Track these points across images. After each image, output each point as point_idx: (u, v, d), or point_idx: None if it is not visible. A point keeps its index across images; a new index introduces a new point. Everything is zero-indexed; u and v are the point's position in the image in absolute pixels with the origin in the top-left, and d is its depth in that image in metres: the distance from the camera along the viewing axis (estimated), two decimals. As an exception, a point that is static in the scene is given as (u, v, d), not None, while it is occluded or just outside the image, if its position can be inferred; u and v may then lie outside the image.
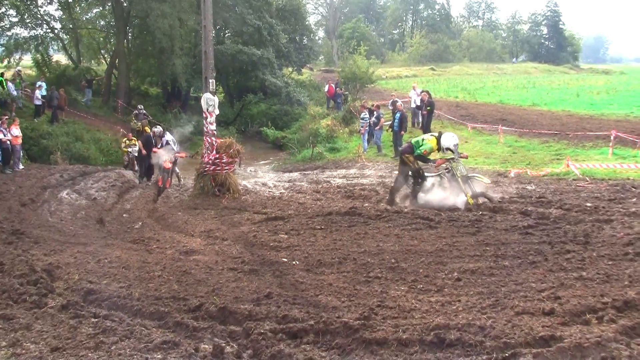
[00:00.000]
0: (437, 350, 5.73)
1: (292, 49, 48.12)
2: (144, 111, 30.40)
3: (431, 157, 14.13)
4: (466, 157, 14.45)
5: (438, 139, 13.89)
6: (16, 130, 21.04)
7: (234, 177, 17.80)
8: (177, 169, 21.09)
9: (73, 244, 11.74)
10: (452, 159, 13.77)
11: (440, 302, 7.17)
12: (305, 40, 52.49)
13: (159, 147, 20.02)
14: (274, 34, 43.32)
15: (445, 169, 13.99)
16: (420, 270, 8.70)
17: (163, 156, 19.56)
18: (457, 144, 13.92)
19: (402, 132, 23.45)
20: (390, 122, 25.95)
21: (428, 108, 25.59)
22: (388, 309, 6.97)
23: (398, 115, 23.62)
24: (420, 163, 14.17)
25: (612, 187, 14.75)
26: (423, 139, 14.19)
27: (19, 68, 35.55)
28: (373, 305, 7.09)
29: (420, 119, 27.24)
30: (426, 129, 24.83)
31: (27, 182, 18.66)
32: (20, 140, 21.50)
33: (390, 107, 29.24)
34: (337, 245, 10.67)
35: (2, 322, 7.03)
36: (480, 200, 13.47)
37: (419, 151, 13.94)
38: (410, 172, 14.27)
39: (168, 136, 20.40)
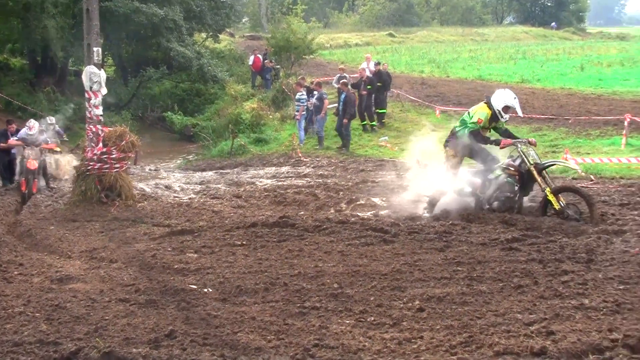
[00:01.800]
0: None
1: (207, 9, 47.72)
2: None
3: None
4: (534, 144, 13.58)
5: (488, 103, 13.59)
6: None
7: (127, 178, 17.58)
8: (47, 168, 20.80)
9: None
10: (520, 141, 13.38)
11: (397, 340, 7.18)
12: (224, -3, 52.34)
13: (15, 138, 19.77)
14: (182, -13, 43.13)
15: (510, 158, 13.49)
16: (371, 299, 8.72)
17: (26, 151, 19.23)
18: (517, 99, 13.48)
19: (346, 119, 23.60)
20: (335, 105, 26.10)
21: (369, 87, 25.75)
22: (328, 350, 6.96)
23: (343, 96, 23.78)
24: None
25: (625, 188, 15.05)
26: (469, 112, 13.97)
27: None
28: (309, 345, 7.08)
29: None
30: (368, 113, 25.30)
31: None
32: None
33: (337, 85, 29.41)
34: (262, 267, 10.62)
35: None
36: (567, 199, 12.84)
37: (471, 125, 13.46)
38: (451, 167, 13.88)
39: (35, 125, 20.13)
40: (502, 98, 13.30)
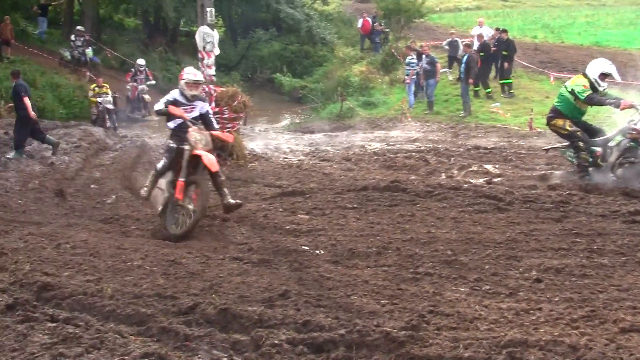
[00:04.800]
0: (511, 375, 5.61)
1: (316, -30, 47.74)
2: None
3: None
4: None
5: (584, 74, 13.39)
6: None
7: (239, 138, 17.74)
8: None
9: (23, 223, 11.78)
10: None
11: (514, 310, 7.00)
12: (333, -41, 52.07)
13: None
14: (293, -52, 43.06)
15: (631, 122, 12.84)
16: (486, 267, 8.55)
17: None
18: (613, 65, 13.28)
19: (471, 80, 23.25)
20: (445, 70, 25.77)
21: (482, 54, 25.10)
22: (443, 317, 6.84)
23: (465, 58, 23.42)
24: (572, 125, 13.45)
25: None
26: (566, 86, 13.70)
27: None
28: (423, 311, 6.97)
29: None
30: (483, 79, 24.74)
31: (-44, 142, 18.51)
32: None
33: (447, 48, 28.98)
34: (374, 230, 10.58)
35: None
36: None
37: (580, 92, 13.07)
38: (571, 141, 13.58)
39: None
40: (597, 67, 13.18)
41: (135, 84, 24.98)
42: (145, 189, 11.97)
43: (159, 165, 11.94)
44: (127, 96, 26.45)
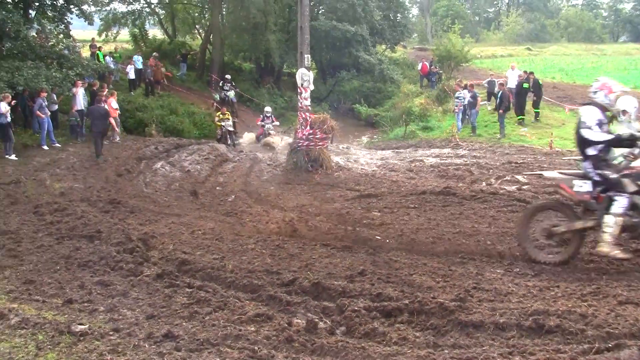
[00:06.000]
0: (535, 336, 5.54)
1: (386, 26, 47.32)
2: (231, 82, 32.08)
3: None
4: None
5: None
6: (115, 103, 21.43)
7: (327, 153, 17.84)
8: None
9: (167, 215, 12.10)
10: None
11: (538, 287, 6.93)
12: (399, 18, 51.56)
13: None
14: (368, 10, 42.68)
15: None
16: (517, 254, 8.45)
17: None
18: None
19: (502, 110, 22.91)
20: (485, 103, 25.47)
21: (526, 86, 24.54)
22: (484, 292, 6.81)
23: (500, 93, 23.12)
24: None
25: None
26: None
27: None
28: (468, 287, 6.95)
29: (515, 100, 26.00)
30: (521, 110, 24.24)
31: (124, 154, 19.12)
32: (118, 113, 21.85)
33: (486, 86, 28.63)
34: (431, 225, 10.55)
35: (100, 288, 7.32)
36: None
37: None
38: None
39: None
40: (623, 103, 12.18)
41: (262, 123, 25.24)
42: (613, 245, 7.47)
43: (618, 208, 7.35)
44: (257, 135, 26.40)
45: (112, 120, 18.63)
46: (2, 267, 8.34)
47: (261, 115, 26.61)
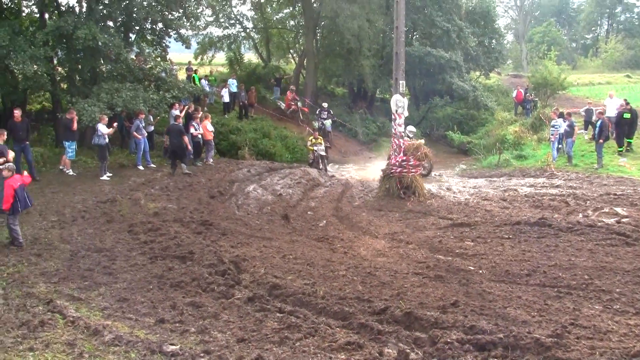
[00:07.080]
0: (637, 379, 5.33)
1: (481, 53, 46.79)
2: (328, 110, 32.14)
3: None
4: None
5: None
6: (210, 126, 21.98)
7: (420, 180, 17.70)
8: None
9: (259, 238, 12.29)
10: None
11: (640, 327, 6.65)
12: (494, 44, 50.87)
13: None
14: (463, 36, 42.34)
15: None
16: (617, 290, 8.14)
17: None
18: None
19: (601, 140, 22.15)
20: (582, 131, 24.72)
21: (627, 116, 23.68)
22: (582, 329, 6.60)
23: (599, 122, 22.37)
24: None
25: None
26: None
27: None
28: (565, 323, 6.75)
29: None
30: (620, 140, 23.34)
31: (216, 176, 19.52)
32: (212, 135, 22.29)
33: (583, 114, 27.82)
34: (525, 257, 10.31)
35: (191, 308, 7.53)
36: None
37: None
38: None
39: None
40: None
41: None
42: None
43: None
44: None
45: (185, 138, 19.09)
46: (97, 284, 8.71)
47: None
